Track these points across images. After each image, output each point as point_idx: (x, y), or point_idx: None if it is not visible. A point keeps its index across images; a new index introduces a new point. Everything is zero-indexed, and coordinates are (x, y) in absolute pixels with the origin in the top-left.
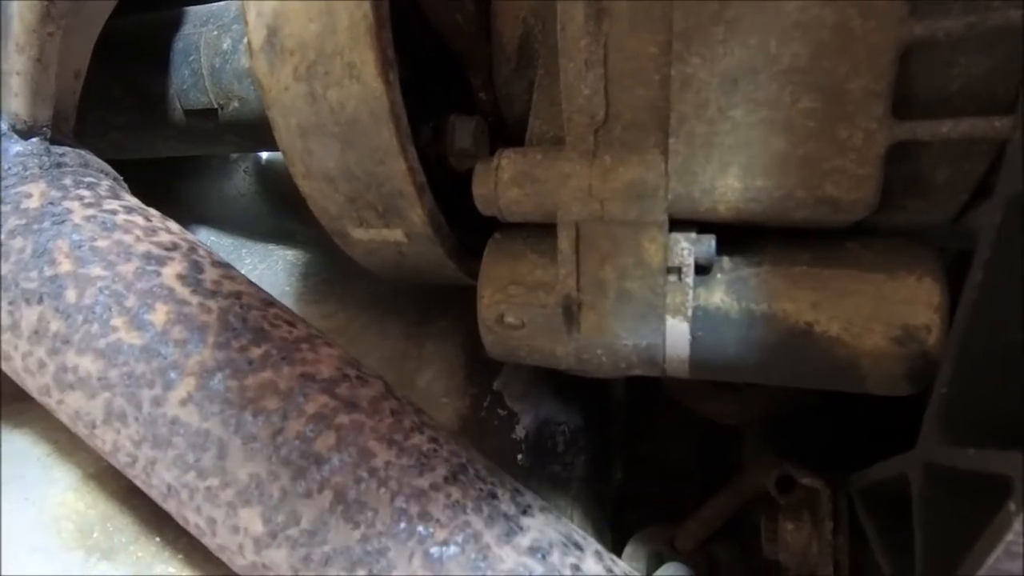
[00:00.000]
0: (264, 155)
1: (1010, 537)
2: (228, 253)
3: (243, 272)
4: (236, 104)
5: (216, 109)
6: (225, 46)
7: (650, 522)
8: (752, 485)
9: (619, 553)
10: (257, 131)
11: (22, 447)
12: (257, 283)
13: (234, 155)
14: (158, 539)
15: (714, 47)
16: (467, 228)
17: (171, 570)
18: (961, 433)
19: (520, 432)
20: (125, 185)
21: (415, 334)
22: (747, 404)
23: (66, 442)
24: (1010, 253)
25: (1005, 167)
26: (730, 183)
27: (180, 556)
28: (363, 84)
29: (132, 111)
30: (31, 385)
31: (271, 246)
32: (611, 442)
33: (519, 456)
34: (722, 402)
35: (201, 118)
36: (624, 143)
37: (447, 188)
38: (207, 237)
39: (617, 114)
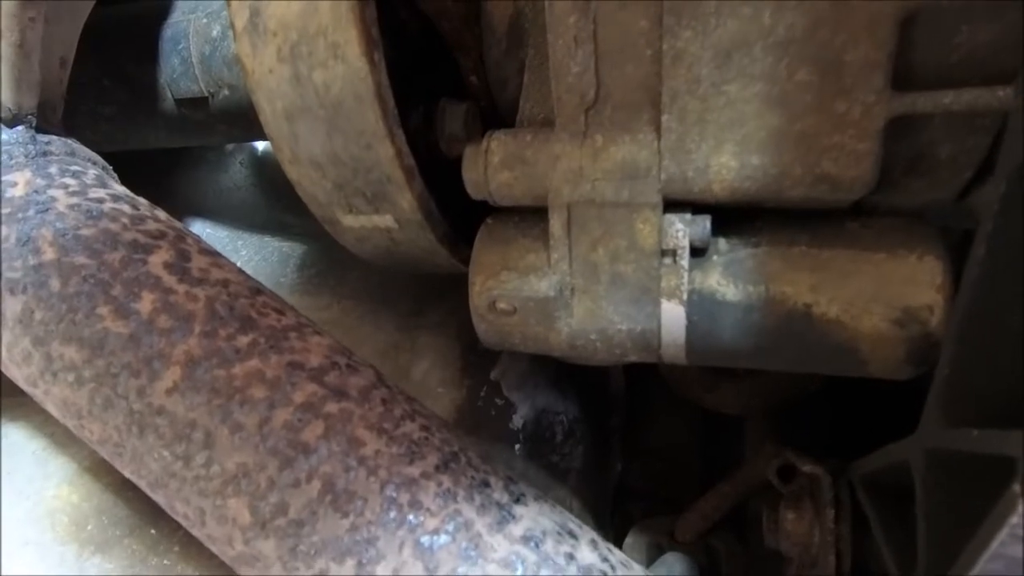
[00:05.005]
0: (259, 147)
1: (1014, 520)
2: (223, 245)
3: (238, 264)
4: (226, 92)
5: (207, 98)
6: (214, 33)
7: (651, 513)
8: (753, 475)
9: (619, 544)
10: (248, 120)
11: (17, 441)
12: (252, 274)
13: (229, 147)
14: (153, 532)
15: (706, 19)
16: (460, 216)
17: (166, 562)
18: (964, 416)
19: (518, 422)
20: (114, 174)
21: (409, 325)
22: (747, 393)
23: (61, 436)
24: (1014, 227)
25: (1007, 138)
26: (725, 161)
27: (176, 549)
28: (347, 64)
29: (121, 101)
30: (18, 375)
31: (266, 238)
32: (610, 432)
33: (517, 446)
34: (721, 392)
35: (192, 107)
36: (615, 122)
37: (439, 175)
38: (202, 229)
39: (608, 92)
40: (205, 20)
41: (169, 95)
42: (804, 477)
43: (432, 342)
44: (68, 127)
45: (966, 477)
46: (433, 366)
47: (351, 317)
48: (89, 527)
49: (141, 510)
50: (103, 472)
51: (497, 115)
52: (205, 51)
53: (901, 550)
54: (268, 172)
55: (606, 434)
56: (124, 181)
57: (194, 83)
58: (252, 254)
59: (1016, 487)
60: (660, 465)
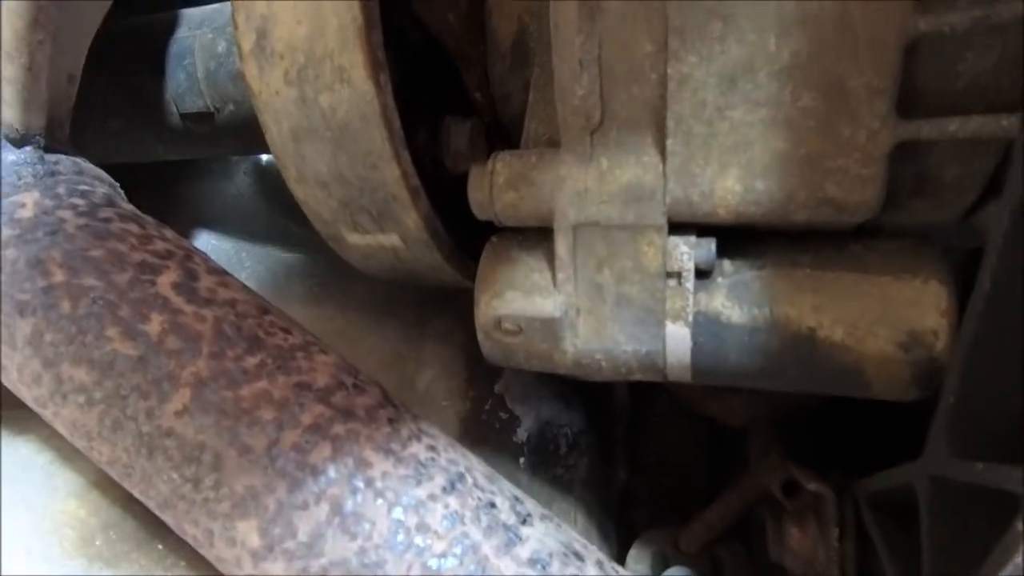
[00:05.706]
0: (264, 157)
1: (1019, 559)
2: (228, 256)
3: (243, 275)
4: (232, 107)
5: (212, 112)
6: (220, 49)
7: (655, 523)
8: (758, 486)
9: (624, 554)
10: (254, 134)
11: (25, 454)
12: (256, 285)
13: (234, 157)
14: (160, 546)
15: (711, 44)
16: (466, 230)
17: None
18: (969, 445)
19: (522, 435)
20: (121, 192)
21: (415, 335)
22: (751, 405)
23: (68, 449)
24: (1018, 259)
25: (1011, 170)
26: (729, 185)
27: (183, 564)
28: (353, 88)
29: (128, 115)
30: (28, 397)
31: (271, 248)
32: (615, 443)
33: (521, 459)
34: (725, 403)
35: (198, 122)
36: (620, 145)
37: (444, 191)
38: (207, 239)
39: (613, 115)
40: (211, 36)
41: (175, 110)
42: (808, 493)
43: (438, 352)
44: (74, 142)
45: (971, 505)
46: (438, 376)
47: (356, 328)
48: (96, 542)
49: (148, 525)
50: (110, 486)
51: (501, 131)
52: (211, 67)
53: (905, 570)
54: (272, 181)
55: (610, 445)
56: (129, 191)
57: (199, 98)
58: (256, 264)
59: (1019, 525)
60: (664, 476)
